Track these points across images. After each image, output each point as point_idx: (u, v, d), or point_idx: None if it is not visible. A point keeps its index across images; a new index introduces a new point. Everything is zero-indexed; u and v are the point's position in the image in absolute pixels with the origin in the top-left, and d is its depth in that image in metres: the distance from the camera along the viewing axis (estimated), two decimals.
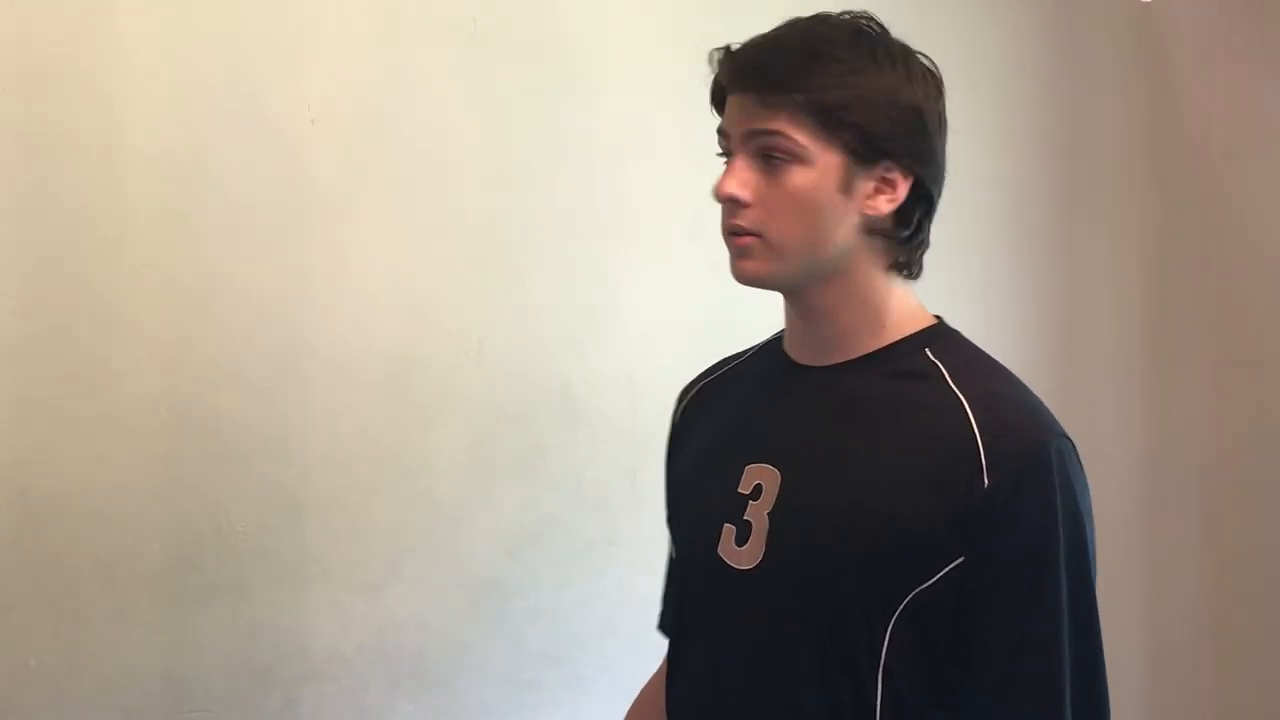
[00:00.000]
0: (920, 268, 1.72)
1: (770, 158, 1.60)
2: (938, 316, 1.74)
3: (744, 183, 1.64)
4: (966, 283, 3.48)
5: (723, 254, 3.21)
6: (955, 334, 1.73)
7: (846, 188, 1.59)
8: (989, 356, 1.70)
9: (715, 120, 3.17)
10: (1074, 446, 1.59)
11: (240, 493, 2.71)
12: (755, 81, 1.63)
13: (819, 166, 1.59)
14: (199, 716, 2.67)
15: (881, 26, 1.67)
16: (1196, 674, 3.82)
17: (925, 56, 1.71)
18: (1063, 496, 1.53)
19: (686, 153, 3.09)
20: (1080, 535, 1.56)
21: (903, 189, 1.60)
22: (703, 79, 3.17)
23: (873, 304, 1.67)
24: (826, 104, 1.56)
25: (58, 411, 2.56)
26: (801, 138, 1.57)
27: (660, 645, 3.04)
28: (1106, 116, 3.83)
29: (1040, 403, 1.64)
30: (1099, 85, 3.82)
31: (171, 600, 2.65)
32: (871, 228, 1.63)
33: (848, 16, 1.65)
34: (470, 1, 2.95)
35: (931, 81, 1.68)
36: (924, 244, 1.70)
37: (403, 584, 2.90)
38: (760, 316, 3.15)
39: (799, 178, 1.59)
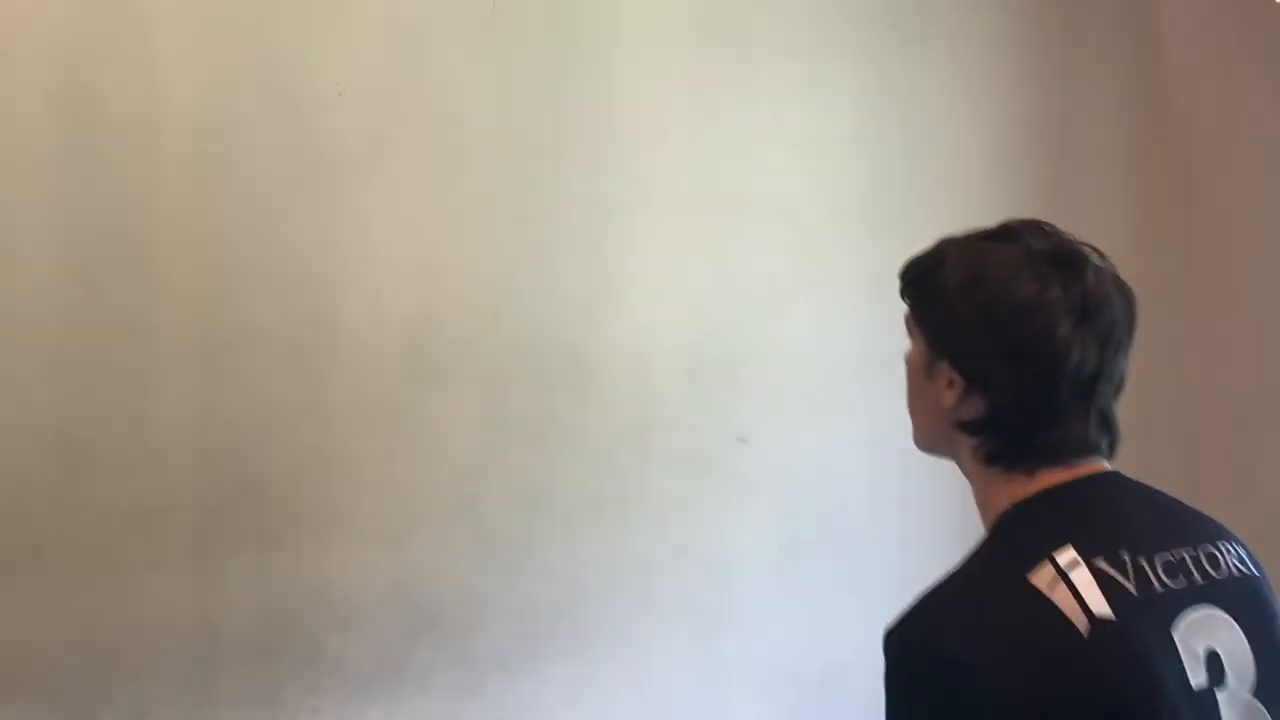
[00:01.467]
0: (1015, 462, 1.68)
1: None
2: (1033, 499, 1.68)
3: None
4: None
5: (725, 229, 3.28)
6: (993, 538, 1.69)
7: (929, 373, 1.72)
8: (968, 563, 1.64)
9: (724, 101, 3.26)
10: (899, 641, 1.59)
11: (269, 448, 2.77)
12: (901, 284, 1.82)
13: (916, 350, 1.77)
14: (228, 664, 2.71)
15: (1021, 239, 1.70)
16: None
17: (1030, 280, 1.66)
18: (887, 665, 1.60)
19: (693, 133, 3.20)
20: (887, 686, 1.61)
21: (959, 389, 1.67)
22: (711, 60, 3.24)
23: (975, 492, 1.74)
24: (916, 307, 1.76)
25: (98, 367, 2.61)
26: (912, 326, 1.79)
27: (661, 600, 3.10)
28: (1098, 101, 3.83)
29: (933, 600, 1.61)
30: (1091, 73, 3.82)
31: (204, 549, 2.71)
32: (956, 421, 1.71)
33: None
34: None
35: (1005, 305, 1.66)
36: (1008, 442, 1.68)
37: (421, 538, 2.94)
38: (761, 287, 3.25)
39: (912, 354, 1.79)
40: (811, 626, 3.41)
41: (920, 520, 3.49)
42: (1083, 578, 1.49)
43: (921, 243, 3.07)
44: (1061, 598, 1.47)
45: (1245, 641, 1.57)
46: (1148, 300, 3.72)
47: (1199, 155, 3.88)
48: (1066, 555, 1.51)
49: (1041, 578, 1.49)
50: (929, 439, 1.80)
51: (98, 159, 2.61)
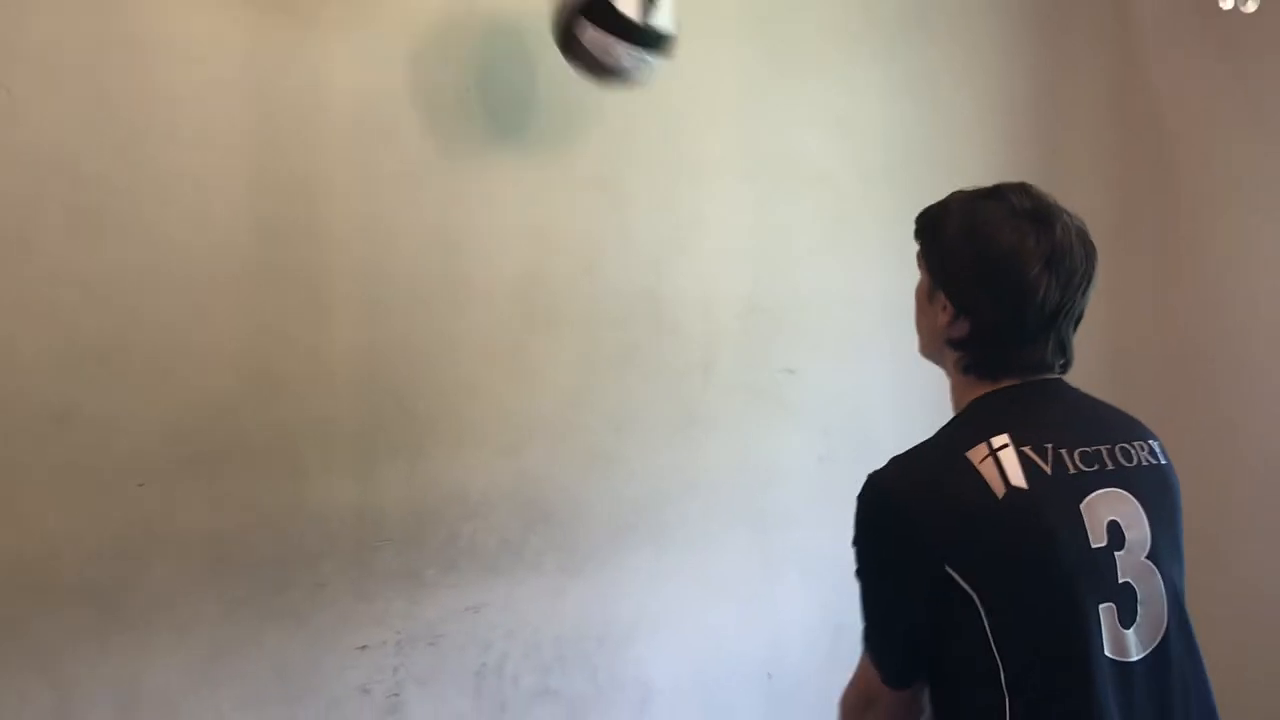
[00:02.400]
0: (984, 372, 1.85)
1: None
2: (985, 395, 1.84)
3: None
4: None
5: (773, 197, 3.44)
6: (950, 423, 1.87)
7: (930, 299, 1.89)
8: (925, 441, 1.83)
9: (771, 92, 3.39)
10: (866, 486, 1.79)
11: (416, 377, 2.94)
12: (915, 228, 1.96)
13: (922, 280, 1.95)
14: (385, 544, 2.91)
15: (1003, 197, 1.84)
16: None
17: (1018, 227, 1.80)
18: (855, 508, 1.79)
19: (747, 119, 3.34)
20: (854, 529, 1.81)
21: (950, 313, 1.85)
22: (761, 60, 3.37)
23: (951, 391, 1.92)
24: (922, 247, 1.92)
25: (280, 310, 2.79)
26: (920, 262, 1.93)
27: (723, 501, 3.31)
28: (1081, 93, 3.89)
29: (898, 459, 1.80)
30: (1075, 68, 3.87)
31: (365, 457, 2.89)
32: (946, 338, 1.87)
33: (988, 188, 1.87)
34: None
35: (989, 249, 1.80)
36: (983, 356, 1.84)
37: (533, 450, 3.09)
38: (803, 245, 3.47)
39: (919, 284, 1.95)
40: (844, 523, 3.50)
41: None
42: (1008, 456, 1.67)
43: (928, 204, 3.27)
44: (987, 469, 1.66)
45: (1144, 515, 1.72)
46: (1124, 250, 3.70)
47: (1170, 138, 3.93)
48: (999, 440, 1.69)
49: (976, 454, 1.68)
50: (928, 350, 1.96)
51: (280, 145, 2.77)
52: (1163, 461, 1.83)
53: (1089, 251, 1.79)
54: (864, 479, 1.78)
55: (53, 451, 2.61)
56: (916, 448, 1.78)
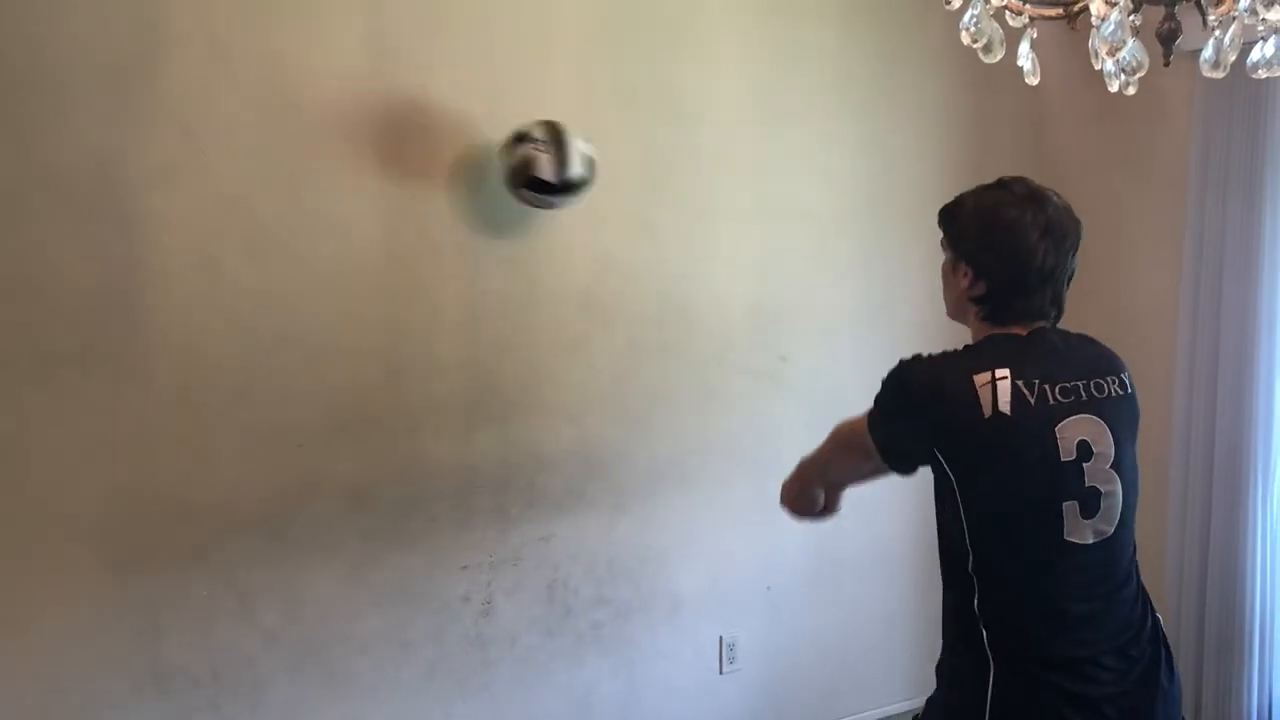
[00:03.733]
0: (998, 319, 1.79)
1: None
2: (996, 334, 1.79)
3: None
4: (889, 246, 3.51)
5: (771, 228, 3.43)
6: (972, 345, 1.80)
7: (954, 271, 1.83)
8: (962, 352, 1.76)
9: (770, 147, 3.40)
10: (899, 367, 1.73)
11: (503, 364, 2.97)
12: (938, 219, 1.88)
13: (946, 259, 1.86)
14: (481, 489, 2.96)
15: (1005, 186, 1.80)
16: None
17: (1017, 209, 1.76)
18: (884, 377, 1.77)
19: (751, 168, 3.34)
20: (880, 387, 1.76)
21: (970, 278, 1.79)
22: (762, 123, 3.37)
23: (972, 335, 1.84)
24: (945, 231, 1.85)
25: (408, 315, 2.84)
26: (945, 244, 1.86)
27: (733, 457, 3.33)
28: (1004, 148, 3.83)
29: (925, 359, 1.74)
30: (1000, 129, 3.81)
31: (467, 425, 2.94)
32: (969, 298, 1.81)
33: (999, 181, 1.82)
34: (630, 74, 3.11)
35: (996, 225, 1.76)
36: (998, 307, 1.78)
37: (591, 417, 3.12)
38: (793, 263, 3.48)
39: (944, 262, 1.87)
40: None
41: None
42: (1003, 386, 1.65)
43: (888, 234, 3.26)
44: (984, 393, 1.64)
45: (1109, 435, 1.71)
46: None
47: (1072, 181, 3.94)
48: (1002, 371, 1.66)
49: (980, 379, 1.66)
50: (955, 311, 1.87)
51: (404, 191, 2.81)
52: (1129, 390, 1.82)
53: (1075, 223, 1.78)
54: (896, 364, 1.75)
55: (235, 420, 2.69)
56: (939, 356, 1.75)
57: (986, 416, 1.65)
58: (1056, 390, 1.71)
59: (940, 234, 1.88)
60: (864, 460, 1.87)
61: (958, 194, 1.86)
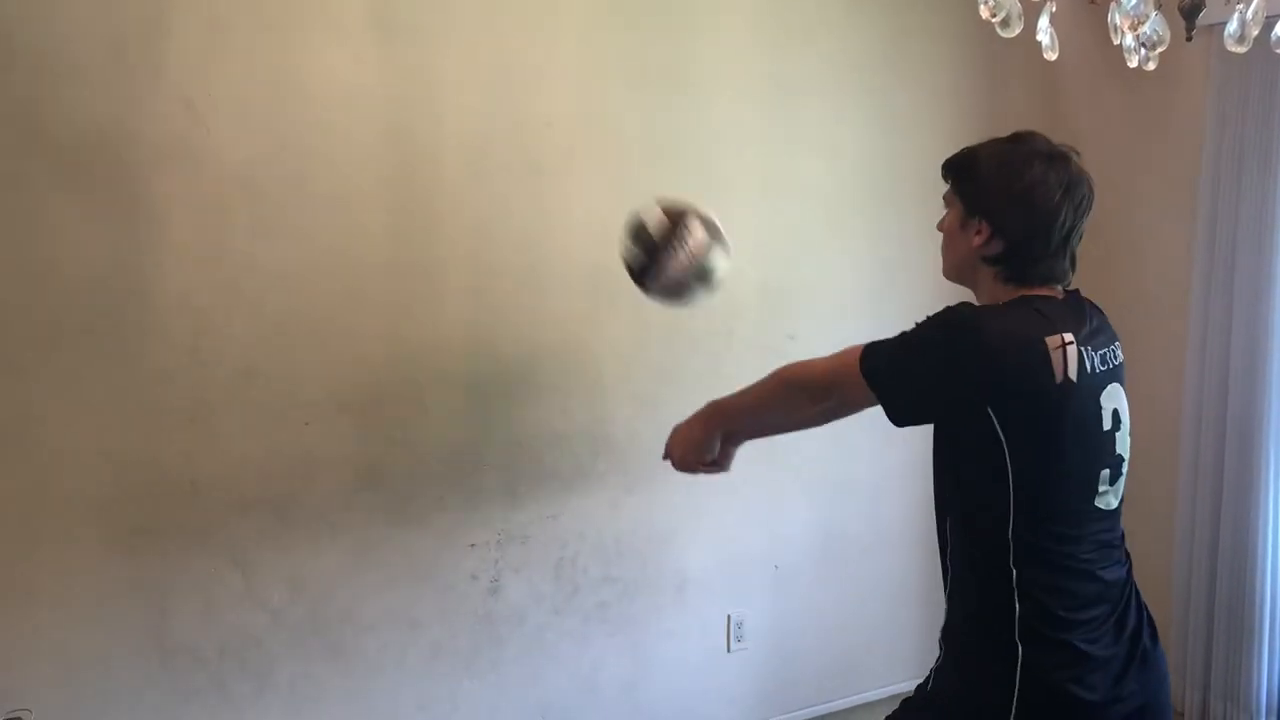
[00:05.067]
0: (1022, 281, 1.72)
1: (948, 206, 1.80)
2: (1033, 296, 1.71)
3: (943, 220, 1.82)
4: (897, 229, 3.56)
5: (781, 205, 3.41)
6: (1015, 305, 1.71)
7: (963, 227, 1.75)
8: (1007, 309, 1.70)
9: (781, 126, 3.37)
10: (968, 314, 1.64)
11: (509, 342, 2.94)
12: (945, 171, 1.81)
13: (952, 214, 1.79)
14: (487, 467, 2.94)
15: (1026, 142, 1.74)
16: None
17: (1043, 164, 1.70)
18: (939, 314, 1.65)
19: (762, 147, 3.30)
20: (927, 323, 1.67)
21: (986, 234, 1.72)
22: (773, 102, 3.33)
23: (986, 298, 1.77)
24: (957, 183, 1.78)
25: (409, 293, 2.80)
26: (950, 197, 1.79)
27: None
28: (1017, 126, 3.66)
29: (991, 308, 1.70)
30: (1011, 105, 3.76)
31: (473, 402, 2.91)
32: (981, 256, 1.74)
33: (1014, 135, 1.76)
34: (638, 50, 3.07)
35: (1021, 182, 1.69)
36: (1019, 268, 1.72)
37: (599, 397, 3.09)
38: (803, 240, 3.46)
39: (948, 218, 1.79)
40: (836, 453, 3.47)
41: None
42: (1072, 353, 1.61)
43: (898, 213, 3.21)
44: (1056, 357, 1.59)
45: (1125, 402, 1.72)
46: None
47: (1083, 152, 3.93)
48: (1069, 336, 1.62)
49: (1052, 342, 1.60)
50: (958, 271, 1.80)
51: (408, 171, 2.78)
52: (1123, 358, 1.80)
53: (1090, 184, 1.73)
54: (947, 308, 1.65)
55: (242, 398, 2.67)
56: (1005, 308, 1.68)
57: (1058, 382, 1.60)
58: (1099, 358, 1.69)
59: (945, 187, 1.81)
60: (815, 405, 1.85)
61: (964, 147, 1.79)
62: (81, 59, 2.44)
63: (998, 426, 1.61)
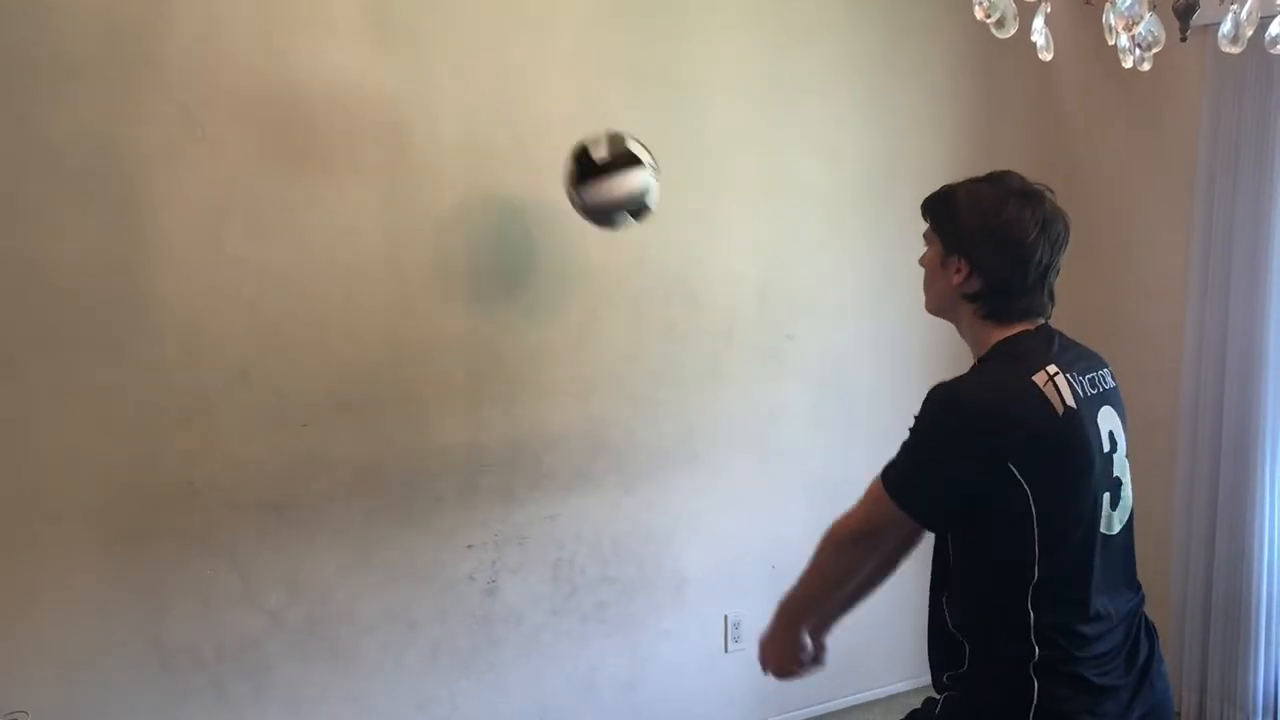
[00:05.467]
0: (1001, 318, 1.73)
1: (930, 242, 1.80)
2: (1014, 336, 1.73)
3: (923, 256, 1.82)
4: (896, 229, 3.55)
5: (780, 206, 3.40)
6: (993, 357, 1.74)
7: (943, 265, 1.76)
8: (984, 367, 1.73)
9: (780, 128, 3.35)
10: (946, 394, 1.64)
11: (509, 343, 2.95)
12: (925, 210, 1.80)
13: (932, 251, 1.79)
14: (487, 468, 2.94)
15: (1001, 181, 1.74)
16: None
17: (1017, 204, 1.71)
18: (922, 407, 1.66)
19: (761, 148, 3.30)
20: (917, 421, 1.67)
21: (965, 272, 1.72)
22: (772, 104, 3.32)
23: (971, 336, 1.78)
24: (936, 223, 1.78)
25: (411, 297, 2.81)
26: (930, 235, 1.79)
27: (740, 436, 3.29)
28: (1011, 125, 3.78)
29: (970, 379, 1.69)
30: (1007, 106, 3.76)
31: (473, 404, 2.91)
32: (961, 294, 1.74)
33: (988, 176, 1.76)
34: (637, 52, 3.06)
35: (997, 221, 1.70)
36: (998, 305, 1.73)
37: (597, 396, 3.09)
38: (802, 241, 3.44)
39: (929, 254, 1.80)
40: (832, 453, 3.48)
41: (903, 388, 3.49)
42: (1062, 381, 1.62)
43: (897, 213, 3.21)
44: (1049, 391, 1.61)
45: (1120, 425, 1.73)
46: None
47: (1079, 155, 3.84)
48: (1052, 369, 1.63)
49: (1040, 378, 1.61)
50: (939, 307, 1.81)
51: (405, 172, 2.78)
52: (1117, 384, 1.81)
53: (1066, 220, 1.74)
54: (932, 395, 1.66)
55: (239, 400, 2.67)
56: (982, 373, 1.71)
57: (1061, 413, 1.61)
58: (1086, 382, 1.70)
59: (926, 224, 1.82)
60: (872, 553, 1.82)
61: (942, 186, 1.80)
62: (77, 61, 2.44)
63: (1020, 478, 1.61)
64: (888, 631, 3.70)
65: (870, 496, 1.75)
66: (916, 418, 1.68)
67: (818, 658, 1.98)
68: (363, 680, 2.86)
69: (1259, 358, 3.26)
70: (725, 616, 3.42)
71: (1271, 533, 3.30)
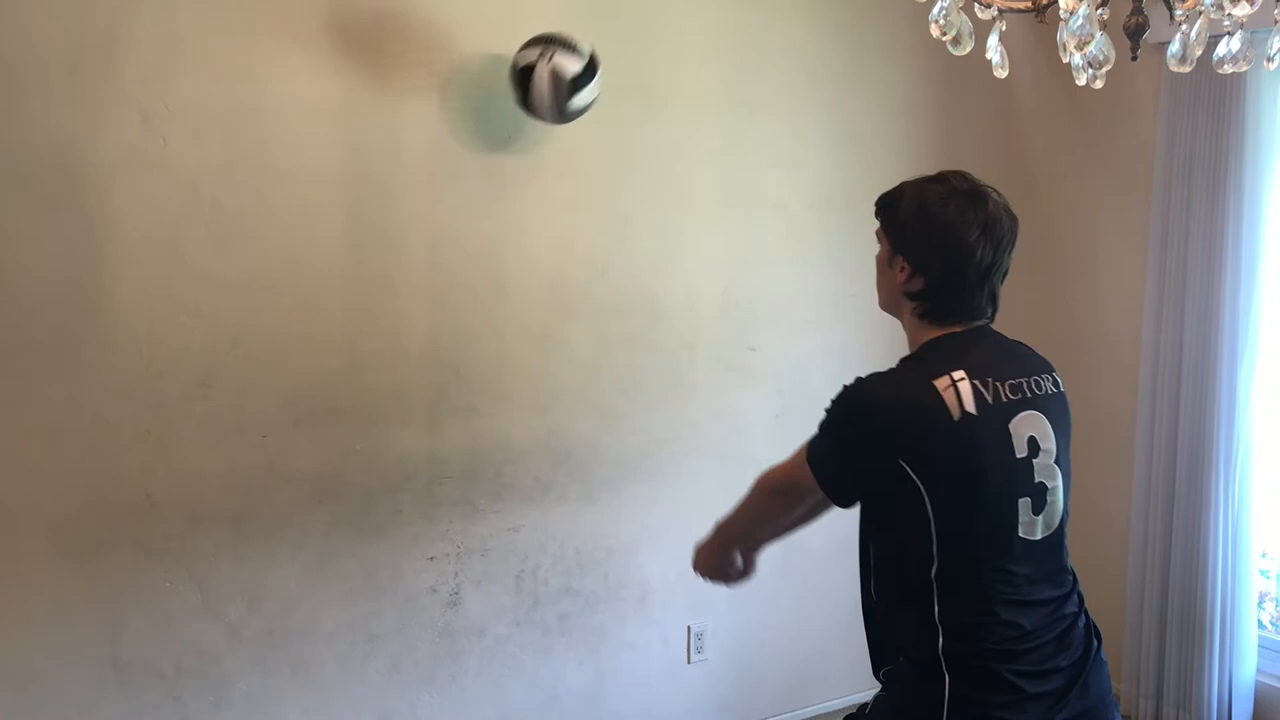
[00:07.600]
0: (935, 318, 1.75)
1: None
2: (939, 338, 1.75)
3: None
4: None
5: (742, 218, 3.42)
6: (913, 356, 1.77)
7: (890, 263, 1.78)
8: (898, 365, 1.75)
9: (742, 140, 3.38)
10: (849, 390, 1.69)
11: (470, 354, 2.93)
12: (876, 209, 1.82)
13: (882, 250, 1.80)
14: (448, 480, 2.93)
15: (949, 182, 1.74)
16: None
17: (959, 204, 1.72)
18: (833, 399, 1.71)
19: (723, 160, 3.31)
20: (826, 412, 1.72)
21: (907, 272, 1.74)
22: (734, 116, 3.34)
23: (909, 334, 1.81)
24: (883, 222, 1.80)
25: (368, 304, 2.79)
26: (880, 233, 1.80)
27: (702, 446, 3.30)
28: (969, 140, 3.82)
29: (877, 376, 1.71)
30: (966, 122, 3.80)
31: (432, 414, 2.90)
32: (904, 292, 1.77)
33: (939, 175, 1.77)
34: (602, 75, 2.95)
35: (939, 222, 1.71)
36: (934, 305, 1.75)
37: (559, 408, 3.08)
38: (764, 253, 3.47)
39: (879, 252, 1.82)
40: None
41: None
42: (965, 388, 1.63)
43: (858, 225, 3.25)
44: (948, 396, 1.62)
45: (1052, 431, 1.71)
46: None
47: (1036, 169, 3.90)
48: (958, 374, 1.64)
49: (941, 383, 1.63)
50: (887, 304, 1.84)
51: (366, 183, 2.77)
52: (1060, 390, 1.81)
53: (1012, 221, 1.75)
54: (842, 388, 1.71)
55: (198, 411, 2.65)
56: (887, 372, 1.73)
57: (956, 419, 1.63)
58: (1006, 387, 1.70)
59: (877, 223, 1.84)
60: (795, 505, 1.89)
61: (898, 183, 1.81)
62: (36, 70, 2.41)
63: (912, 474, 1.64)
64: (845, 642, 3.71)
65: (796, 459, 1.81)
66: (826, 409, 1.74)
67: (746, 572, 2.09)
68: (323, 693, 2.84)
69: (1213, 367, 3.32)
70: (688, 627, 3.41)
71: (1225, 541, 3.35)
